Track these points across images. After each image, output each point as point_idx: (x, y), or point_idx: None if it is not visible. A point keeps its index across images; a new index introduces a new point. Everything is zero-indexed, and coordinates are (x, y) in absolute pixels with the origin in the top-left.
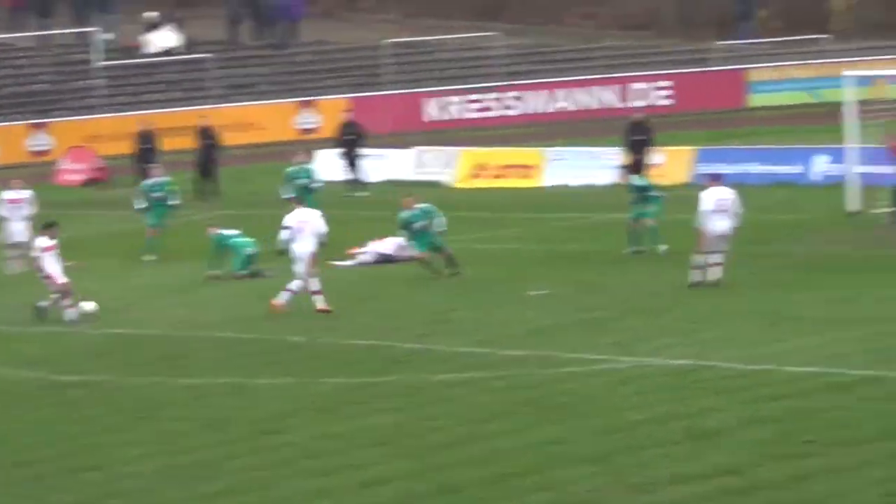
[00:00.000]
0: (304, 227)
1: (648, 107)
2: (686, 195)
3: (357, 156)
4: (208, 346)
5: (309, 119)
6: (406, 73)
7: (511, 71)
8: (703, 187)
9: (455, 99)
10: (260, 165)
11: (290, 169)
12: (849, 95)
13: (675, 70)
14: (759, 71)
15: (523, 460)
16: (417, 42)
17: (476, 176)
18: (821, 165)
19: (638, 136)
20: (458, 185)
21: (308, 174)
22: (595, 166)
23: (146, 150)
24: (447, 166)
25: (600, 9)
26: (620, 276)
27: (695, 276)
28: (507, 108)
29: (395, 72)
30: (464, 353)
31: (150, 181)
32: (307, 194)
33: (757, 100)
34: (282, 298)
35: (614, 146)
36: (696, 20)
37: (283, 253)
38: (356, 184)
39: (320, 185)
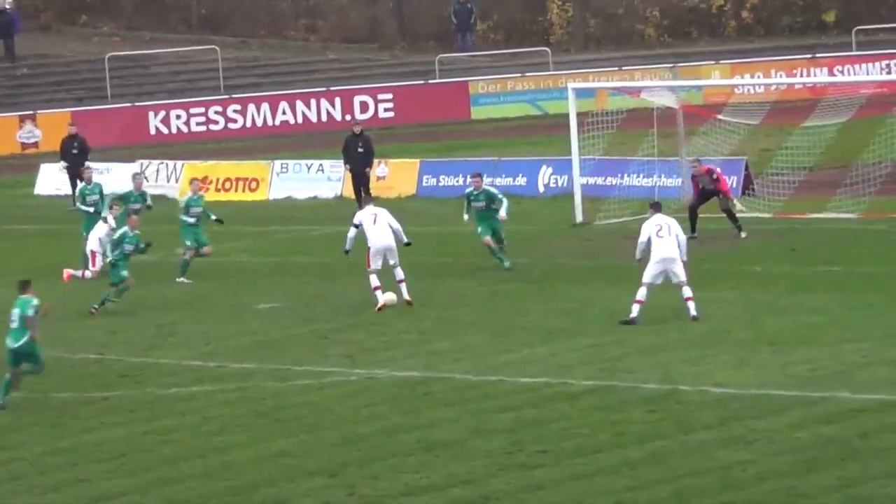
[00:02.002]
0: None
1: (371, 119)
2: (411, 207)
3: (80, 169)
4: None
5: (31, 133)
6: (129, 86)
7: (234, 84)
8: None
9: (179, 112)
10: None
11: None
12: (572, 107)
13: (397, 83)
14: (482, 83)
15: (256, 473)
16: (140, 55)
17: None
18: (546, 177)
19: (357, 148)
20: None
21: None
22: (319, 179)
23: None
24: (171, 180)
25: (322, 22)
26: (347, 288)
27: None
28: (231, 121)
29: (119, 85)
30: (193, 366)
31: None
32: None
33: (480, 112)
34: None
35: (337, 159)
36: (417, 33)
37: None
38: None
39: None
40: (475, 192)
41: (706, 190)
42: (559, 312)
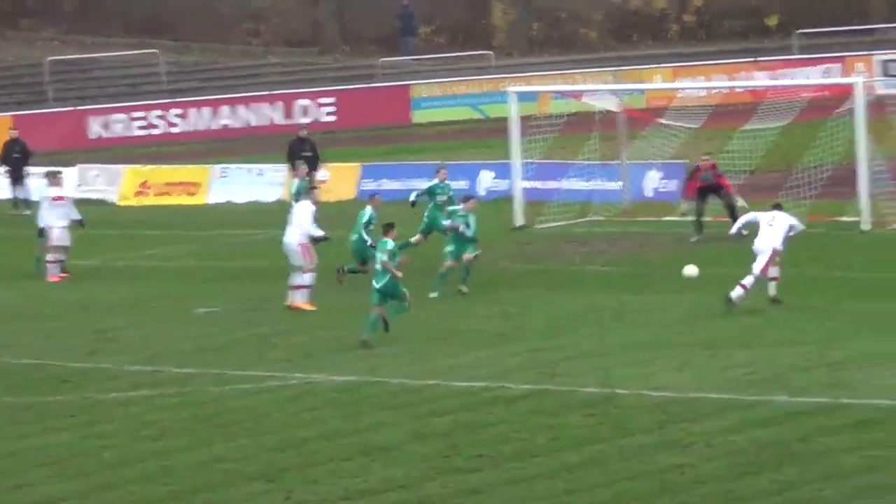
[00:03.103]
0: None
1: (312, 123)
2: (352, 211)
3: (22, 174)
4: None
5: None
6: (70, 90)
7: (174, 88)
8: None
9: (119, 116)
10: None
11: None
12: (513, 111)
13: (339, 87)
14: (424, 87)
15: (196, 478)
16: (80, 59)
17: (140, 193)
18: (487, 181)
19: (303, 152)
20: (123, 203)
21: None
22: (260, 183)
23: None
24: (111, 184)
25: (264, 26)
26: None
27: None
28: (171, 125)
29: (59, 89)
30: (133, 370)
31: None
32: None
33: (421, 116)
34: None
35: (278, 163)
36: (360, 36)
37: None
38: (21, 202)
39: None
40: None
41: (707, 185)
42: (499, 316)
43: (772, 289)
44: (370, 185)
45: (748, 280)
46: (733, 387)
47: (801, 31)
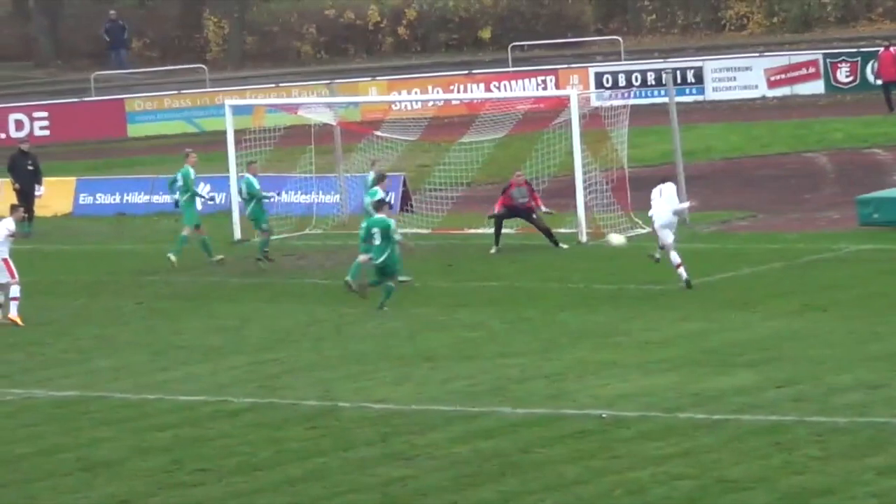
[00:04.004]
0: None
1: (26, 137)
2: (68, 226)
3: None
4: None
5: None
6: None
7: None
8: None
9: None
10: None
11: None
12: (228, 124)
13: (52, 101)
14: (139, 101)
15: None
16: None
17: None
18: (204, 194)
19: (26, 166)
20: None
21: None
22: None
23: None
24: None
25: None
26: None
27: None
28: None
29: None
30: None
31: None
32: None
33: (136, 129)
34: None
35: None
36: (74, 51)
37: None
38: None
39: None
40: None
41: (516, 207)
42: (217, 330)
43: (683, 274)
44: (87, 200)
45: (674, 257)
46: (455, 399)
47: (514, 44)
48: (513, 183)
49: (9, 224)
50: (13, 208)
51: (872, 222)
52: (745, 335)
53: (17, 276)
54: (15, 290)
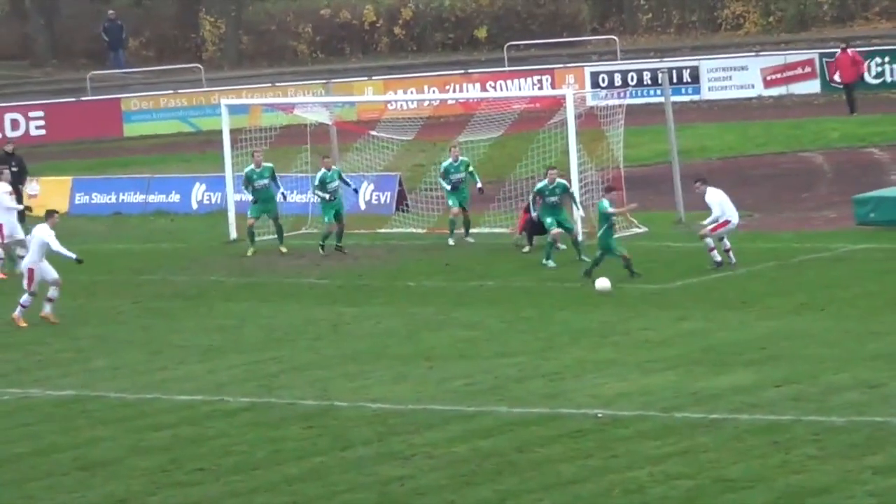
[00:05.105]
0: None
1: (23, 137)
2: (64, 225)
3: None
4: None
5: None
6: None
7: None
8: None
9: None
10: None
11: None
12: (225, 124)
13: (48, 100)
14: (135, 100)
15: None
16: None
17: None
18: (199, 194)
19: (12, 167)
20: None
21: None
22: None
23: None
24: None
25: None
26: (2, 308)
27: None
28: None
29: None
30: None
31: None
32: None
33: (133, 129)
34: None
35: None
36: (70, 50)
37: None
38: None
39: None
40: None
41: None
42: (215, 330)
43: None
44: (83, 199)
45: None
46: (453, 398)
47: (510, 43)
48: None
49: (44, 231)
50: (48, 214)
51: (869, 221)
52: (742, 334)
53: (35, 289)
54: (53, 292)
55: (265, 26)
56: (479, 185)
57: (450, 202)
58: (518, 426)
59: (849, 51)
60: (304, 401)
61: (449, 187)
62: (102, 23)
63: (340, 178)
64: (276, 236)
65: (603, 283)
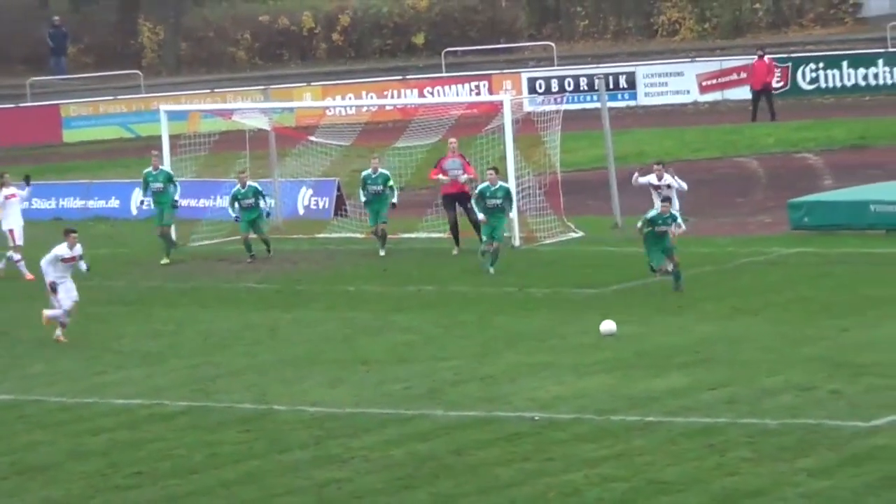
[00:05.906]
0: None
1: None
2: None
3: None
4: None
5: None
6: None
7: None
8: None
9: None
10: None
11: None
12: (164, 130)
13: None
14: (74, 106)
15: None
16: None
17: None
18: (137, 200)
19: None
20: None
21: None
22: None
23: None
24: None
25: None
26: None
27: None
28: None
29: None
30: None
31: None
32: None
33: (72, 135)
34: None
35: None
36: (9, 56)
37: None
38: None
39: None
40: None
41: (452, 193)
42: (153, 335)
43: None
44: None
45: None
46: (390, 402)
47: (448, 49)
48: (446, 157)
49: (62, 250)
50: (67, 233)
51: (803, 226)
52: (678, 338)
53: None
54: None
55: (204, 33)
56: (395, 200)
57: (369, 222)
58: (455, 430)
59: (766, 58)
60: (242, 405)
61: (364, 199)
62: (47, 29)
63: (256, 195)
64: (214, 241)
65: (608, 325)
